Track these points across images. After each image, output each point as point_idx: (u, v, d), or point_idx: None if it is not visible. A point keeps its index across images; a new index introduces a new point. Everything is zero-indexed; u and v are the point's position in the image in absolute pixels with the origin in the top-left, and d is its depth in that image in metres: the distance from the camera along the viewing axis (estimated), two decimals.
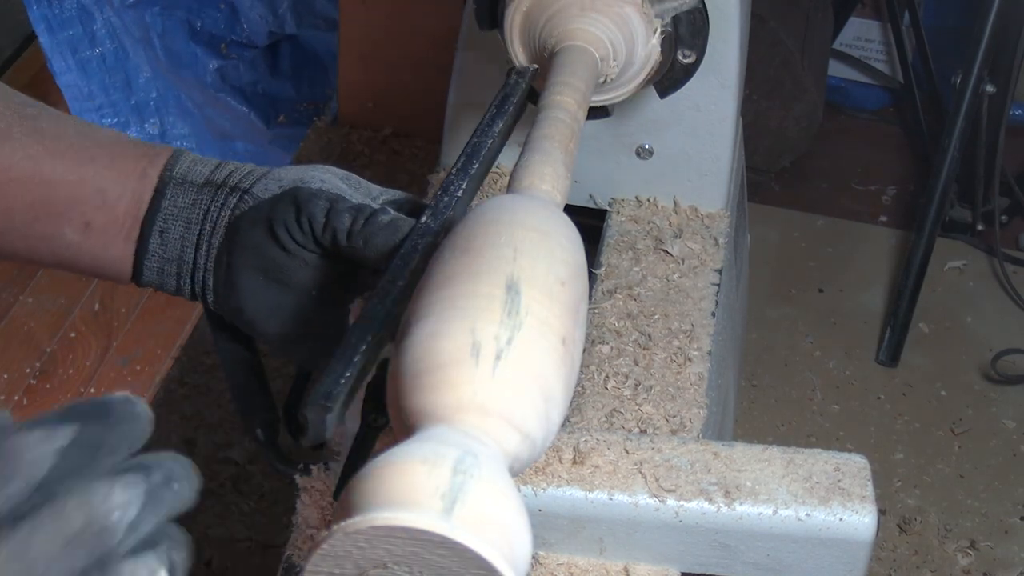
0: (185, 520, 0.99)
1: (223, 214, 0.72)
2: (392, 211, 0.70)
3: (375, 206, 0.70)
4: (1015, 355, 2.19)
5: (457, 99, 1.10)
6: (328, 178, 0.72)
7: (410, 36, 1.34)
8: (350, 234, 0.69)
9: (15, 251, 0.74)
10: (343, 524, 0.46)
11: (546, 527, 0.81)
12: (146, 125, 2.30)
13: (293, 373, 0.83)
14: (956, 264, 2.42)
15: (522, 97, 0.79)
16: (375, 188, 0.75)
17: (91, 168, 0.72)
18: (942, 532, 1.99)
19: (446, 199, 0.68)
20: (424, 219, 0.67)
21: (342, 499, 0.48)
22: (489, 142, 0.72)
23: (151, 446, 0.96)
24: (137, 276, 0.74)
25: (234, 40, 2.35)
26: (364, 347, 0.59)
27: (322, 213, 0.69)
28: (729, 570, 0.82)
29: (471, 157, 0.71)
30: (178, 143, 2.30)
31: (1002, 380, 2.19)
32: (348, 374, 0.57)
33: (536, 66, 0.88)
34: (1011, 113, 2.34)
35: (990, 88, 2.19)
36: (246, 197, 0.71)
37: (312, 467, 0.89)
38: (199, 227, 0.72)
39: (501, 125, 0.74)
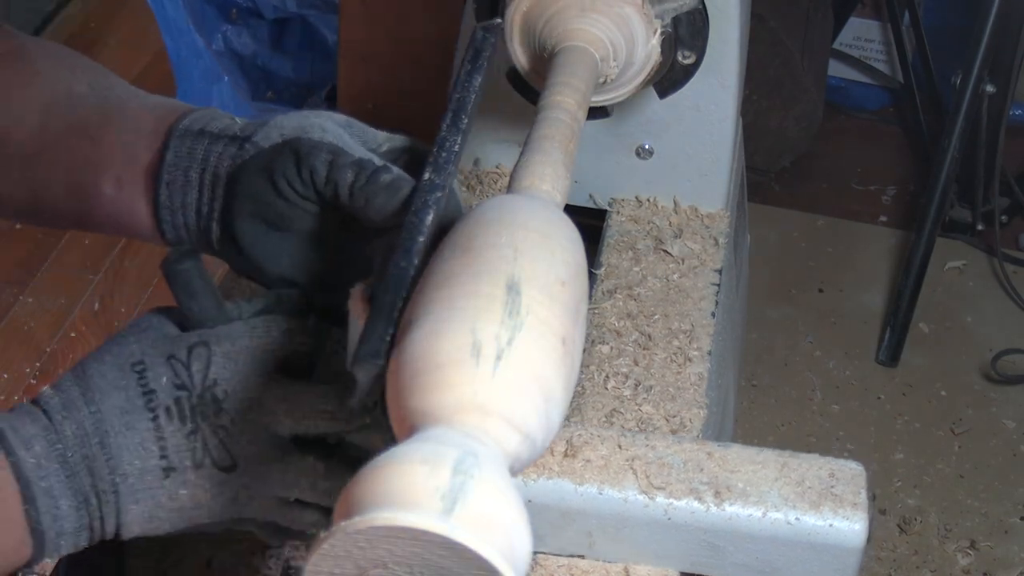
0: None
1: (223, 162, 0.73)
2: (395, 169, 0.70)
3: (377, 162, 0.71)
4: (1015, 355, 2.19)
5: None
6: (330, 127, 0.73)
7: (410, 38, 1.34)
8: (352, 192, 0.69)
9: (77, 210, 0.78)
10: (343, 524, 0.46)
11: (535, 519, 0.80)
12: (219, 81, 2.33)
13: None
14: (956, 264, 2.42)
15: (492, 52, 0.80)
16: (380, 135, 0.76)
17: (123, 125, 0.76)
18: (942, 532, 1.99)
19: (444, 155, 0.69)
20: (427, 176, 0.68)
21: (342, 499, 0.48)
22: (472, 97, 0.73)
23: None
24: (162, 232, 0.76)
25: (245, 8, 2.36)
26: (400, 303, 0.59)
27: (324, 166, 0.70)
28: (719, 571, 0.82)
29: (458, 113, 0.72)
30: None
31: (1002, 380, 2.19)
32: (391, 331, 0.58)
33: (500, 20, 0.87)
34: (1011, 113, 2.34)
35: (990, 88, 2.19)
36: (247, 146, 0.72)
37: None
38: (198, 175, 0.73)
39: (479, 80, 0.75)
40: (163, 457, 0.65)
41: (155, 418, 0.65)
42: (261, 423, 0.66)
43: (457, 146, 0.70)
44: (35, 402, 0.66)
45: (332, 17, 2.29)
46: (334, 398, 0.66)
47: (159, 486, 0.65)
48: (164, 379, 0.66)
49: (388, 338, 0.58)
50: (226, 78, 2.32)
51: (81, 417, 0.65)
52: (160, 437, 0.65)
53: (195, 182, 0.73)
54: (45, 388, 0.66)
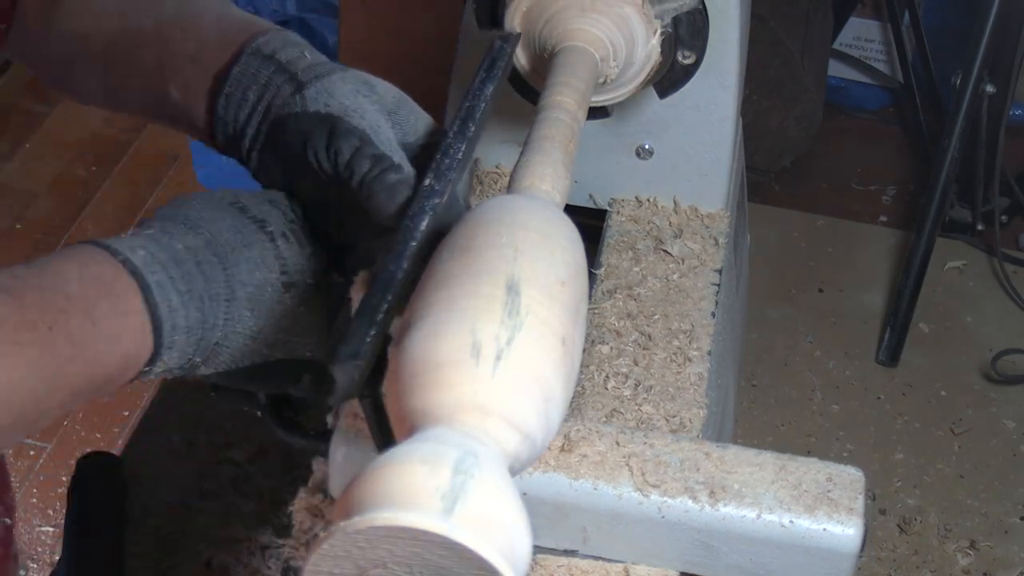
0: (185, 520, 0.99)
1: (278, 98, 0.76)
2: (405, 170, 0.72)
3: (395, 160, 0.72)
4: (1015, 355, 2.19)
5: (457, 99, 1.10)
6: (370, 114, 0.75)
7: (410, 37, 1.34)
8: (362, 181, 0.72)
9: (145, 101, 0.81)
10: (343, 524, 0.46)
11: (529, 512, 0.81)
12: None
13: None
14: (956, 264, 2.42)
15: (508, 62, 0.80)
16: (422, 123, 0.77)
17: (198, 35, 0.79)
18: (942, 532, 1.99)
19: (447, 161, 0.70)
20: (427, 181, 0.68)
21: (342, 499, 0.48)
22: (482, 105, 0.74)
23: (152, 449, 0.95)
24: (214, 137, 0.78)
25: (246, 11, 2.36)
26: (385, 306, 0.60)
27: (349, 151, 0.72)
28: (713, 571, 0.82)
29: (466, 120, 0.72)
30: None
31: (1002, 380, 2.19)
32: (373, 332, 0.59)
33: (519, 31, 0.87)
34: (1011, 113, 2.35)
35: (990, 88, 2.19)
36: (297, 97, 0.75)
37: (313, 462, 0.88)
38: (256, 97, 0.76)
39: (492, 89, 0.75)
40: (284, 273, 0.69)
41: (272, 239, 0.70)
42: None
43: (461, 154, 0.70)
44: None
45: (331, 20, 2.30)
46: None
47: (278, 299, 0.69)
48: (272, 213, 0.70)
49: (368, 339, 0.58)
50: None
51: (189, 238, 0.67)
52: (280, 256, 0.69)
53: (250, 103, 0.76)
54: (129, 232, 0.67)
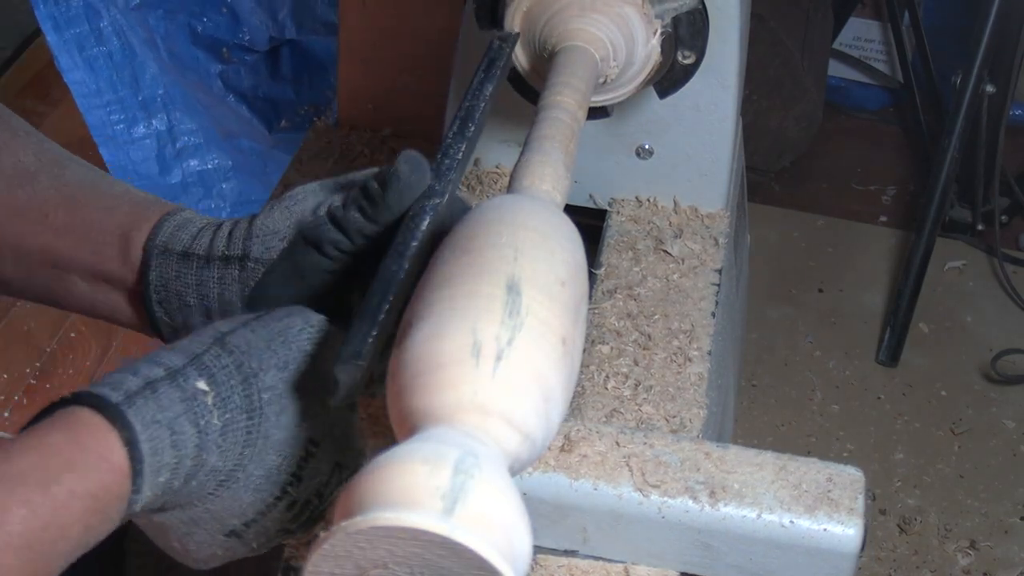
0: None
1: (229, 288, 0.70)
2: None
3: (358, 180, 0.70)
4: (1015, 355, 2.19)
5: (457, 100, 1.10)
6: (308, 186, 0.71)
7: (410, 38, 1.34)
8: (375, 212, 0.67)
9: (49, 293, 0.74)
10: (344, 524, 0.46)
11: (530, 512, 0.81)
12: (154, 121, 2.30)
13: None
14: (956, 264, 2.42)
15: (507, 62, 0.80)
16: (359, 176, 0.73)
17: (88, 219, 0.72)
18: (942, 532, 1.99)
19: (447, 162, 0.70)
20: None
21: (343, 498, 0.48)
22: (482, 105, 0.74)
23: None
24: (159, 333, 0.73)
25: (236, 44, 2.36)
26: (387, 306, 0.60)
27: (337, 232, 0.68)
28: (713, 571, 0.82)
29: (466, 121, 0.72)
30: (186, 138, 2.30)
31: (1002, 380, 2.19)
32: (375, 332, 0.59)
33: (518, 31, 0.87)
34: (1011, 113, 2.34)
35: (990, 88, 2.19)
36: (249, 264, 0.69)
37: None
38: (197, 300, 0.70)
39: (491, 89, 0.75)
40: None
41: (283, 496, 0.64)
42: None
43: (460, 154, 0.70)
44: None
45: (321, 38, 2.31)
46: None
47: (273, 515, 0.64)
48: (315, 480, 0.65)
49: (370, 340, 0.58)
50: (160, 115, 2.29)
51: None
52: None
53: (196, 308, 0.71)
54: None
